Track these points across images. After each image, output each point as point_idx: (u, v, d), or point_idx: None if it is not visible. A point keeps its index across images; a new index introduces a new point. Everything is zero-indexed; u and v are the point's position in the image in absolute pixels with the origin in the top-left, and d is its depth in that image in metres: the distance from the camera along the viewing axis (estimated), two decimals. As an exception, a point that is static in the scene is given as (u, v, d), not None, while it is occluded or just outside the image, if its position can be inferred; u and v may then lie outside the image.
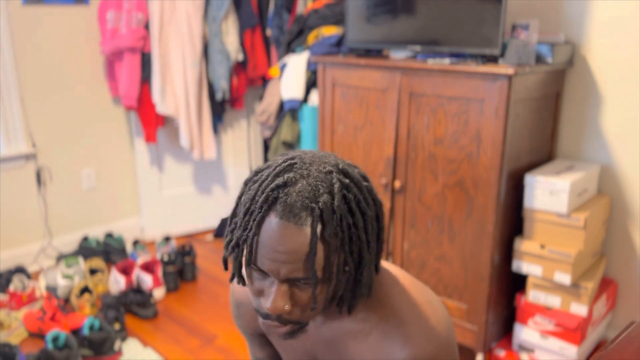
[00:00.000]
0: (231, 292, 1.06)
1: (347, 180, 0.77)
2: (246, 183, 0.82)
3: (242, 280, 0.85)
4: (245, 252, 0.77)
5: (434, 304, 0.88)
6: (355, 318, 0.88)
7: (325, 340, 0.92)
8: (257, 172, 0.81)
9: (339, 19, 2.65)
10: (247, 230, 0.76)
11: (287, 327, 0.81)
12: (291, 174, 0.76)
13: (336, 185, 0.75)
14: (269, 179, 0.76)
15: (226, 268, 0.84)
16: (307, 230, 0.73)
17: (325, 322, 0.90)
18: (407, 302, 0.86)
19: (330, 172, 0.77)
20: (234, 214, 0.82)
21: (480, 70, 1.88)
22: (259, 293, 0.80)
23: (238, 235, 0.77)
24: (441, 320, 0.86)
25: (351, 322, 0.88)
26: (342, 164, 0.80)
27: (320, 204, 0.73)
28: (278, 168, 0.78)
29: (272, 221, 0.74)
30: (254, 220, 0.75)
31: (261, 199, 0.75)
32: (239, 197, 0.82)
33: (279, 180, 0.75)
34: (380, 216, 0.82)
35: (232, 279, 0.85)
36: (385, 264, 0.95)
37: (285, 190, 0.74)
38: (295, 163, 0.78)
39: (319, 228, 0.73)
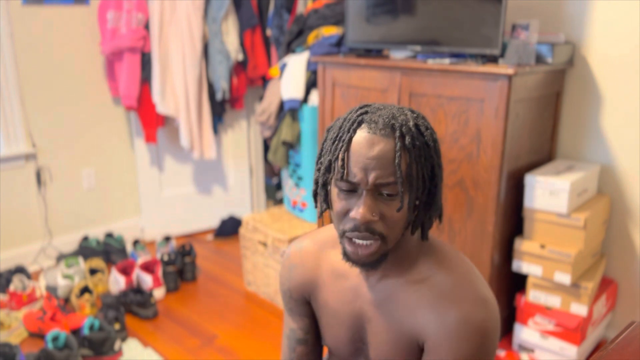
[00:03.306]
0: (285, 258, 1.13)
1: (415, 114, 0.91)
2: (328, 130, 0.95)
3: (328, 206, 0.95)
4: (336, 170, 0.88)
5: (481, 277, 0.96)
6: (411, 277, 0.94)
7: (377, 301, 0.97)
8: (337, 119, 0.94)
9: (339, 19, 2.64)
10: (338, 150, 0.88)
11: (372, 248, 0.88)
12: (370, 107, 0.91)
13: (409, 114, 0.90)
14: (353, 112, 0.90)
15: (316, 202, 0.96)
16: (391, 140, 0.85)
17: (380, 280, 0.97)
18: (464, 268, 0.94)
19: (402, 107, 0.92)
20: (320, 155, 0.94)
21: (480, 70, 1.88)
22: (346, 212, 0.89)
23: (329, 157, 0.89)
24: (490, 292, 0.93)
25: (406, 281, 0.94)
26: (407, 107, 0.94)
27: (400, 120, 0.87)
28: (357, 107, 0.92)
29: (361, 136, 0.86)
30: (344, 140, 0.87)
31: (349, 124, 0.88)
32: (322, 144, 0.94)
33: (362, 110, 0.90)
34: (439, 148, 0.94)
35: (321, 213, 0.97)
36: None
37: (369, 115, 0.88)
38: (371, 104, 0.92)
39: (400, 138, 0.85)
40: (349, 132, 0.87)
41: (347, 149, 0.86)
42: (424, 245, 0.96)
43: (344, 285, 1.02)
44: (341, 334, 1.04)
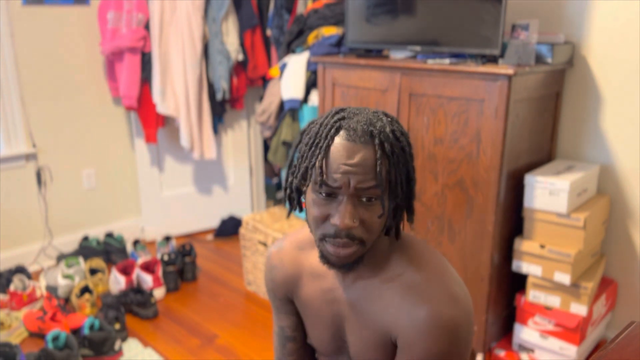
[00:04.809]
0: (267, 259, 1.14)
1: (389, 118, 0.92)
2: (302, 132, 0.95)
3: (301, 209, 0.98)
4: (313, 177, 0.88)
5: (456, 276, 0.96)
6: (384, 276, 0.96)
7: (353, 301, 0.99)
8: (311, 122, 0.94)
9: (339, 19, 2.65)
10: (315, 157, 0.87)
11: (352, 248, 0.89)
12: (345, 113, 0.91)
13: (384, 119, 0.90)
14: (329, 117, 0.90)
15: (291, 206, 0.98)
16: (371, 147, 0.86)
17: (355, 280, 0.98)
18: (436, 265, 0.95)
19: (376, 112, 0.92)
20: (291, 161, 0.95)
21: (480, 70, 1.88)
22: (324, 218, 0.89)
23: (306, 163, 0.89)
24: (464, 291, 0.94)
25: (379, 280, 0.96)
26: (380, 110, 0.94)
27: (378, 127, 0.87)
28: (333, 111, 0.92)
29: (340, 143, 0.86)
30: (321, 147, 0.87)
31: (326, 130, 0.88)
32: (295, 146, 0.95)
33: (338, 116, 0.89)
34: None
35: (289, 215, 1.00)
36: None
37: (346, 121, 0.88)
38: (345, 109, 0.93)
39: (380, 146, 0.86)
40: (326, 138, 0.87)
41: (326, 156, 0.86)
42: (396, 244, 0.98)
43: (322, 285, 1.04)
44: (323, 333, 1.06)
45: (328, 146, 0.87)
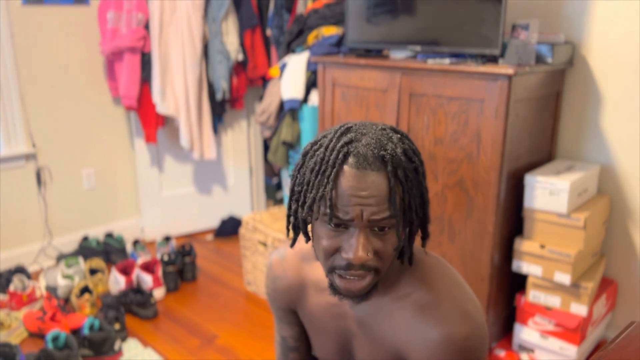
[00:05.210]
0: (268, 268, 1.10)
1: (399, 135, 0.86)
2: (304, 154, 0.87)
3: (308, 239, 0.91)
4: (321, 209, 0.81)
5: (469, 291, 0.92)
6: (394, 294, 0.92)
7: (361, 319, 0.95)
8: (314, 143, 0.87)
9: (339, 19, 2.64)
10: (323, 187, 0.81)
11: (366, 280, 0.84)
12: (352, 134, 0.83)
13: (394, 138, 0.84)
14: (334, 140, 0.83)
15: (296, 234, 0.91)
16: (383, 173, 0.80)
17: (362, 299, 0.93)
18: (447, 282, 0.91)
19: (384, 128, 0.85)
20: (293, 186, 0.88)
21: (480, 70, 1.88)
22: (335, 250, 0.83)
23: (313, 194, 0.82)
24: (477, 306, 0.90)
25: (389, 298, 0.92)
26: (387, 125, 0.88)
27: (389, 151, 0.81)
28: (338, 132, 0.84)
29: (349, 172, 0.80)
30: (329, 175, 0.80)
31: (332, 156, 0.81)
32: (297, 169, 0.88)
33: (345, 139, 0.82)
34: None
35: (293, 244, 0.94)
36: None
37: (354, 145, 0.81)
38: (351, 127, 0.85)
39: (392, 172, 0.80)
40: (334, 166, 0.80)
41: (335, 187, 0.80)
42: (405, 262, 0.94)
43: (327, 299, 1.00)
44: (329, 346, 1.03)
45: (337, 175, 0.80)
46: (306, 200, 0.84)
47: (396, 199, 0.80)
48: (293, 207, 0.88)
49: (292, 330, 1.11)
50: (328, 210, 0.80)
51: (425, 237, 0.91)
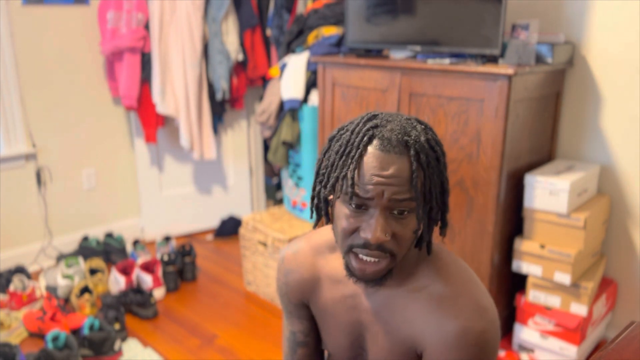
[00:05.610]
0: (280, 262, 1.11)
1: (423, 125, 0.88)
2: (331, 139, 0.90)
3: (329, 220, 0.93)
4: (343, 188, 0.84)
5: (483, 287, 0.94)
6: (410, 286, 0.93)
7: (375, 310, 0.96)
8: (341, 128, 0.90)
9: (339, 19, 2.64)
10: (347, 167, 0.84)
11: (382, 264, 0.86)
12: (378, 120, 0.86)
13: (418, 127, 0.86)
14: (360, 125, 0.86)
15: (319, 216, 0.93)
16: (405, 157, 0.82)
17: (378, 288, 0.95)
18: (463, 277, 0.92)
19: (409, 118, 0.88)
20: (319, 169, 0.91)
21: (480, 70, 1.88)
22: (353, 231, 0.85)
23: (337, 173, 0.85)
24: (491, 302, 0.91)
25: (405, 290, 0.93)
26: (412, 116, 0.91)
27: (412, 137, 0.83)
28: (364, 118, 0.88)
29: (373, 153, 0.82)
30: (354, 156, 0.83)
31: (357, 138, 0.84)
32: (323, 153, 0.91)
33: (371, 124, 0.85)
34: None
35: (315, 226, 0.97)
36: None
37: (379, 129, 0.84)
38: (377, 114, 0.89)
39: (415, 157, 0.83)
40: (358, 148, 0.83)
41: (358, 167, 0.83)
42: (422, 253, 0.95)
43: (342, 292, 1.00)
44: (341, 340, 1.03)
45: (360, 156, 0.83)
46: (329, 180, 0.87)
47: (417, 183, 0.82)
48: (317, 188, 0.91)
49: (302, 324, 1.11)
50: (350, 189, 0.83)
51: (444, 226, 0.92)
